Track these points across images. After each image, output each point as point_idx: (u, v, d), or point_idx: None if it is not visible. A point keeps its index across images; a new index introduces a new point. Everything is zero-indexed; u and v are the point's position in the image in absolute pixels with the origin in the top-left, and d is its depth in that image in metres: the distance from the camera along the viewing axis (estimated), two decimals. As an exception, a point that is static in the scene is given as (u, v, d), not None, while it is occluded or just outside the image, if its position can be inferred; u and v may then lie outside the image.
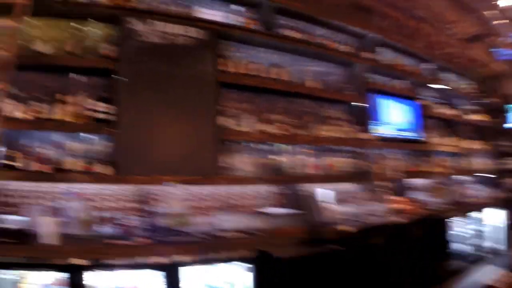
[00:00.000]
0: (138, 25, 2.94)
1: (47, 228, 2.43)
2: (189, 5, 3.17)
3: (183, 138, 2.90)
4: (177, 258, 2.33)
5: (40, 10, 2.94)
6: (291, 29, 3.52)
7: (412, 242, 3.33)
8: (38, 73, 2.94)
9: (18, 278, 2.23)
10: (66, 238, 2.50)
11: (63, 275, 2.22)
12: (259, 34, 3.31)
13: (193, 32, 3.02)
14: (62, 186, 2.85)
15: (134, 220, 2.78)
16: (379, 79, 4.39)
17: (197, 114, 2.92)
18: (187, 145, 2.89)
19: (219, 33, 3.11)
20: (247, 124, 3.08)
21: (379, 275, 2.94)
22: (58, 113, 2.77)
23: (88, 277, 2.23)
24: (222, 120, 3.00)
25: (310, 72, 3.72)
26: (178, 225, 2.69)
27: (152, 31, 2.96)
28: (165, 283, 2.28)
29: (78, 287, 2.20)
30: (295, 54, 3.68)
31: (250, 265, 2.46)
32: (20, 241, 2.39)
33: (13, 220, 2.57)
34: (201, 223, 2.79)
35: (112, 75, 2.86)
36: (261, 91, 3.32)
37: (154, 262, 2.30)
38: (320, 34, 3.76)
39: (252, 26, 3.31)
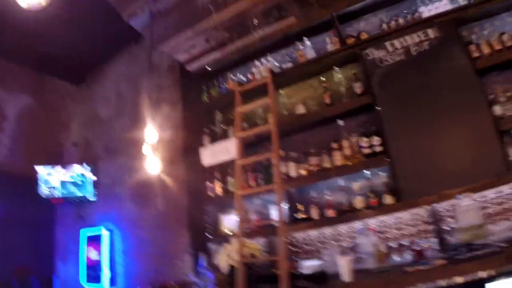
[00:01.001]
0: (377, 52, 2.99)
1: (343, 266, 2.57)
2: (415, 10, 3.07)
3: (461, 143, 2.72)
4: (479, 274, 2.09)
5: (288, 80, 3.39)
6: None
7: None
8: (306, 130, 3.34)
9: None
10: (362, 272, 2.61)
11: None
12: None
13: (430, 33, 2.88)
14: (353, 225, 3.05)
15: (427, 243, 2.74)
16: None
17: (468, 113, 2.71)
18: (468, 149, 2.70)
19: (455, 21, 2.87)
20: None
21: None
22: (336, 159, 3.01)
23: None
24: (498, 109, 2.70)
25: None
26: (475, 238, 2.48)
27: (391, 51, 2.97)
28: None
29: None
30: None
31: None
32: (318, 282, 2.60)
33: (311, 264, 2.88)
34: (500, 231, 2.55)
35: (373, 107, 2.96)
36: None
37: (456, 283, 2.12)
38: None
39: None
